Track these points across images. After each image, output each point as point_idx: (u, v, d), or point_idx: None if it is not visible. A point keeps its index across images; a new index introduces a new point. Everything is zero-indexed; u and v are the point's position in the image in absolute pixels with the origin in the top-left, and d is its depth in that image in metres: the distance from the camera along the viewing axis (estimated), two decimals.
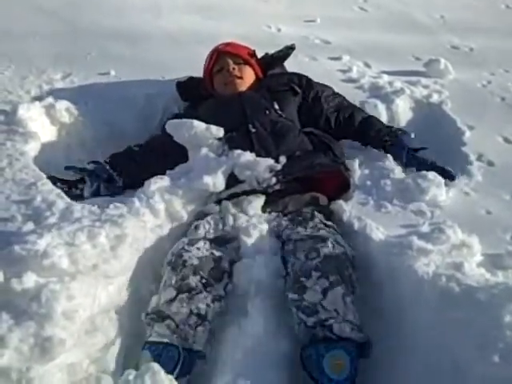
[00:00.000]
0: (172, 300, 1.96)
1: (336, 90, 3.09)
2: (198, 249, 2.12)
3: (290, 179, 2.44)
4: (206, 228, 2.26)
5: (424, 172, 2.58)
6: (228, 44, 3.10)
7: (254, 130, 2.61)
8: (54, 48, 3.80)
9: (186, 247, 2.12)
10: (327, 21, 4.61)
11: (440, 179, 2.52)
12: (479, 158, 2.81)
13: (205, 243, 2.17)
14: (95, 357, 1.83)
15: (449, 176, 2.59)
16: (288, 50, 3.20)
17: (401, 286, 1.99)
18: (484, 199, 2.50)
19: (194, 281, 2.01)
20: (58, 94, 3.22)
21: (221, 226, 2.29)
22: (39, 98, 3.15)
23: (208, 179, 2.39)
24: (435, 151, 3.01)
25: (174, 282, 2.01)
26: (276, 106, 2.78)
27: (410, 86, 3.43)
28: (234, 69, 2.94)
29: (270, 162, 2.45)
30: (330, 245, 2.06)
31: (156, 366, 1.59)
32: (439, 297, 1.85)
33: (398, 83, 3.45)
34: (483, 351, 1.65)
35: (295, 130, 2.72)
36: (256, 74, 3.06)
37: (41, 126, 2.95)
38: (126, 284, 2.05)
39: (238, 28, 4.07)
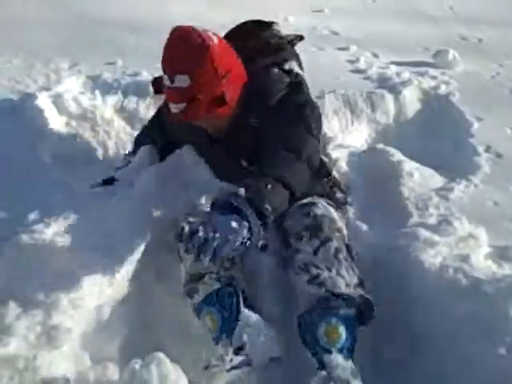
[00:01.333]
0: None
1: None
2: None
3: None
4: None
5: None
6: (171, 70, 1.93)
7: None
8: (61, 37, 3.81)
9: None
10: (335, 11, 4.61)
11: None
12: (487, 149, 2.80)
13: None
14: (101, 346, 1.84)
15: None
16: (295, 39, 2.23)
17: (407, 277, 1.99)
18: (491, 191, 2.49)
19: None
20: (65, 83, 3.22)
21: None
22: (46, 88, 3.16)
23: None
24: (443, 143, 3.01)
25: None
26: (244, 164, 2.07)
27: (417, 77, 3.42)
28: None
29: None
30: (321, 208, 2.04)
31: (162, 355, 1.59)
32: (446, 289, 1.85)
33: (406, 74, 3.44)
34: (490, 344, 1.66)
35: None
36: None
37: (48, 115, 2.94)
38: (131, 274, 2.05)
39: (244, 17, 4.04)
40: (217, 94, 1.93)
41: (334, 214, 2.10)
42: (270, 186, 1.73)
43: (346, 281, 1.83)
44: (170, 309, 2.05)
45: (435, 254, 1.97)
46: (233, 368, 1.72)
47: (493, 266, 1.98)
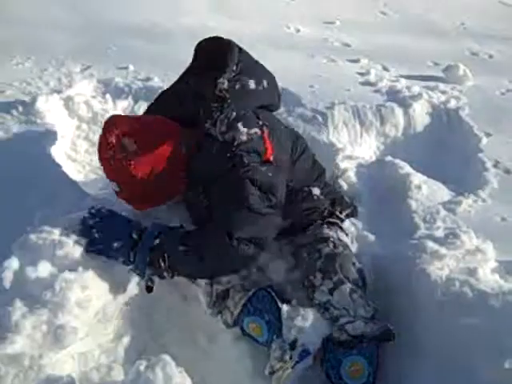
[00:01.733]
0: None
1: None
2: None
3: None
4: None
5: None
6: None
7: None
8: (73, 41, 3.85)
9: None
10: (347, 23, 4.63)
11: None
12: (496, 164, 2.79)
13: None
14: (106, 347, 1.84)
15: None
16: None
17: (414, 288, 1.98)
18: (499, 206, 2.48)
19: None
20: (76, 86, 3.24)
21: None
22: (58, 90, 3.18)
23: None
24: (451, 157, 3.01)
25: None
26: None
27: (428, 91, 3.42)
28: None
29: None
30: (330, 244, 2.07)
31: (167, 357, 1.59)
32: (452, 301, 1.85)
33: (416, 88, 3.45)
34: (495, 357, 1.65)
35: None
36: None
37: (59, 117, 2.97)
38: (137, 276, 2.06)
39: (256, 27, 4.07)
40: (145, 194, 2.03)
41: (344, 238, 2.16)
42: (183, 253, 1.89)
43: (364, 319, 1.88)
44: (176, 311, 2.06)
45: (442, 267, 1.97)
46: (296, 363, 1.78)
47: (500, 280, 1.97)
